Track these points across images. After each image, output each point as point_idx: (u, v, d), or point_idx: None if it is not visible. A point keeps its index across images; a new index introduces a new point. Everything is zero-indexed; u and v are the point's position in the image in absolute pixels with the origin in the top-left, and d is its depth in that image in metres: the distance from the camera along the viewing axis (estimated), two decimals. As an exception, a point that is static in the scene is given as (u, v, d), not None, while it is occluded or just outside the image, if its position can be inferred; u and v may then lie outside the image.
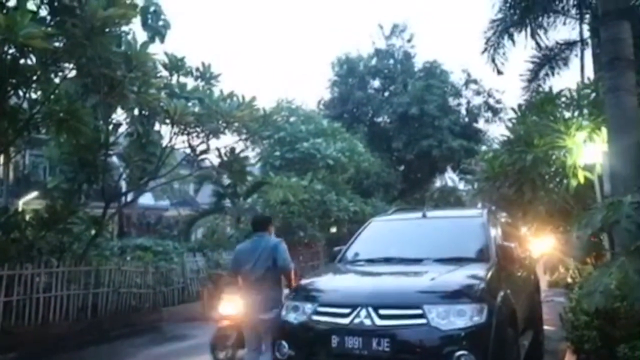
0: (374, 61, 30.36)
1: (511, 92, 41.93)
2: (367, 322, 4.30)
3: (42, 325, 8.98)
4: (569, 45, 14.62)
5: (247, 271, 5.46)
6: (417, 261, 5.22)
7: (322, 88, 33.91)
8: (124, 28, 8.98)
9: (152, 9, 10.39)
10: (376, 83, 30.62)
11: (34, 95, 9.19)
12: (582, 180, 7.44)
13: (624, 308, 4.89)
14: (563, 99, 8.90)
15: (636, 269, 3.92)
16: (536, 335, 6.48)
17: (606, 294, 3.98)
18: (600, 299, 3.98)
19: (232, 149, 12.11)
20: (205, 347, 8.14)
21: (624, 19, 6.25)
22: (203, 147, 11.73)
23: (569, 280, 9.45)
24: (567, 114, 8.52)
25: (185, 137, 11.33)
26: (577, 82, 10.11)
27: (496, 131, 28.06)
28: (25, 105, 9.10)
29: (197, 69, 11.20)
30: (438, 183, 32.57)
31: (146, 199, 20.76)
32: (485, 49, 14.83)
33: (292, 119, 21.49)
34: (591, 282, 4.20)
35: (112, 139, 10.72)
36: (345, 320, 4.38)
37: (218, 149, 11.95)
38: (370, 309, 4.32)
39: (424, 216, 6.26)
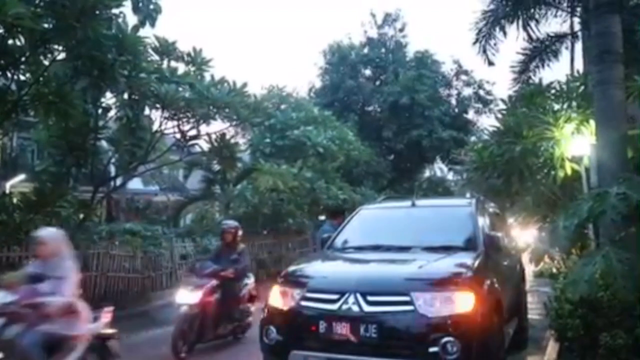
0: (365, 50, 30.28)
1: (501, 83, 42.08)
2: (355, 308, 4.34)
3: (29, 308, 8.96)
4: (560, 37, 14.64)
5: None
6: (406, 249, 5.27)
7: (313, 76, 33.83)
8: (115, 11, 8.87)
9: (143, -8, 10.29)
10: (367, 72, 30.55)
11: (22, 77, 9.09)
12: (569, 171, 7.53)
13: (607, 297, 4.98)
14: (552, 91, 8.98)
15: (620, 259, 4.00)
16: (521, 323, 6.58)
17: (591, 283, 4.06)
18: (585, 288, 4.07)
19: (223, 135, 12.08)
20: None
21: (615, 12, 6.30)
22: (193, 132, 11.70)
23: (554, 270, 9.57)
24: (556, 106, 8.60)
25: (175, 122, 11.30)
26: (566, 74, 10.18)
27: (486, 122, 28.20)
28: (13, 87, 9.00)
29: (188, 54, 11.11)
30: (427, 173, 32.67)
31: (135, 184, 20.65)
32: (477, 40, 14.81)
33: (282, 106, 21.42)
34: (576, 271, 4.29)
35: (101, 122, 10.66)
36: (333, 306, 4.43)
37: (208, 135, 11.93)
38: (359, 295, 4.37)
39: (413, 205, 6.30)
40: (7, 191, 13.84)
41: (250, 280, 7.93)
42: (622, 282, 3.94)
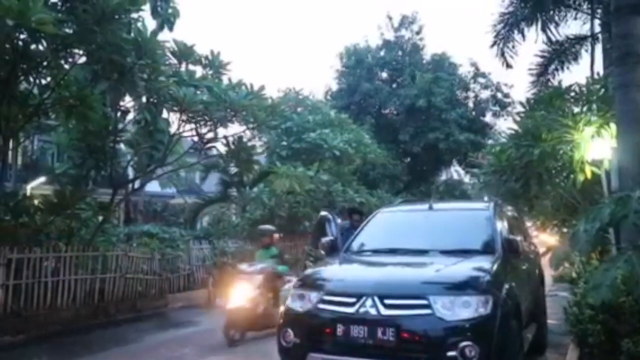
0: (382, 53, 30.27)
1: (519, 86, 41.77)
2: (373, 311, 4.32)
3: (50, 308, 9.09)
4: (580, 40, 14.48)
5: None
6: (423, 252, 5.24)
7: (329, 78, 33.91)
8: (134, 15, 8.97)
9: (161, -4, 10.40)
10: (384, 75, 30.55)
11: (44, 81, 9.24)
12: (589, 175, 7.43)
13: (629, 303, 4.92)
14: (572, 93, 8.87)
15: (642, 264, 3.94)
16: (540, 328, 6.50)
17: (613, 287, 4.00)
18: (607, 293, 4.01)
19: (240, 138, 12.12)
20: (210, 332, 8.28)
21: (637, 14, 6.22)
22: (210, 135, 11.75)
23: (574, 275, 9.45)
24: (576, 109, 8.49)
25: (192, 125, 11.35)
26: (586, 77, 10.07)
27: (503, 125, 27.98)
28: (35, 90, 9.15)
29: (206, 58, 11.16)
30: (444, 176, 32.53)
31: (152, 187, 20.83)
32: (495, 43, 14.72)
33: (299, 109, 21.48)
34: (598, 275, 4.23)
35: (120, 125, 10.77)
36: (350, 310, 4.41)
37: (225, 138, 11.97)
38: (376, 299, 4.34)
39: (431, 208, 6.26)
40: (28, 193, 14.04)
41: None
42: (644, 287, 3.88)
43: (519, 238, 5.49)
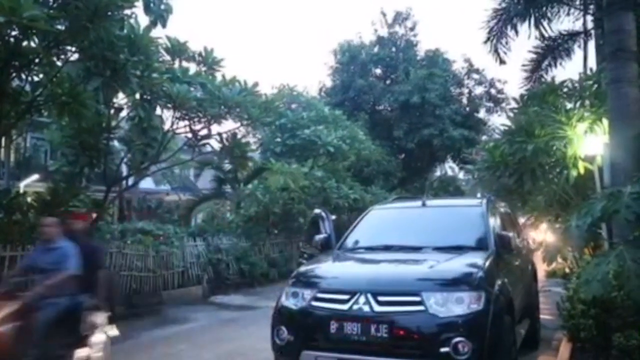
0: (376, 49, 30.22)
1: (513, 82, 41.86)
2: (366, 308, 4.35)
3: (43, 306, 9.05)
4: (572, 36, 14.49)
5: None
6: (417, 249, 5.28)
7: (323, 75, 33.88)
8: (127, 12, 8.92)
9: (154, -8, 10.31)
10: (378, 71, 30.49)
11: (36, 78, 9.17)
12: (582, 171, 7.47)
13: (620, 297, 4.95)
14: (565, 89, 8.91)
15: (634, 259, 3.96)
16: (533, 323, 6.55)
17: (604, 282, 4.03)
18: (598, 288, 4.04)
19: (234, 135, 12.11)
20: (205, 329, 8.28)
21: (628, 10, 6.25)
22: (204, 132, 11.74)
23: (567, 270, 9.50)
24: (569, 105, 8.53)
25: (186, 122, 11.33)
26: (579, 73, 10.10)
27: (497, 121, 28.05)
28: (27, 88, 9.09)
29: (200, 54, 11.14)
30: (438, 172, 32.58)
31: (147, 183, 20.79)
32: (488, 39, 14.68)
33: (293, 106, 21.44)
34: (589, 270, 4.26)
35: (113, 122, 10.73)
36: (344, 307, 4.43)
37: (219, 135, 11.96)
38: (369, 296, 4.37)
39: (424, 205, 6.30)
40: (22, 191, 13.99)
41: None
42: (635, 281, 3.91)
43: (511, 234, 5.53)
